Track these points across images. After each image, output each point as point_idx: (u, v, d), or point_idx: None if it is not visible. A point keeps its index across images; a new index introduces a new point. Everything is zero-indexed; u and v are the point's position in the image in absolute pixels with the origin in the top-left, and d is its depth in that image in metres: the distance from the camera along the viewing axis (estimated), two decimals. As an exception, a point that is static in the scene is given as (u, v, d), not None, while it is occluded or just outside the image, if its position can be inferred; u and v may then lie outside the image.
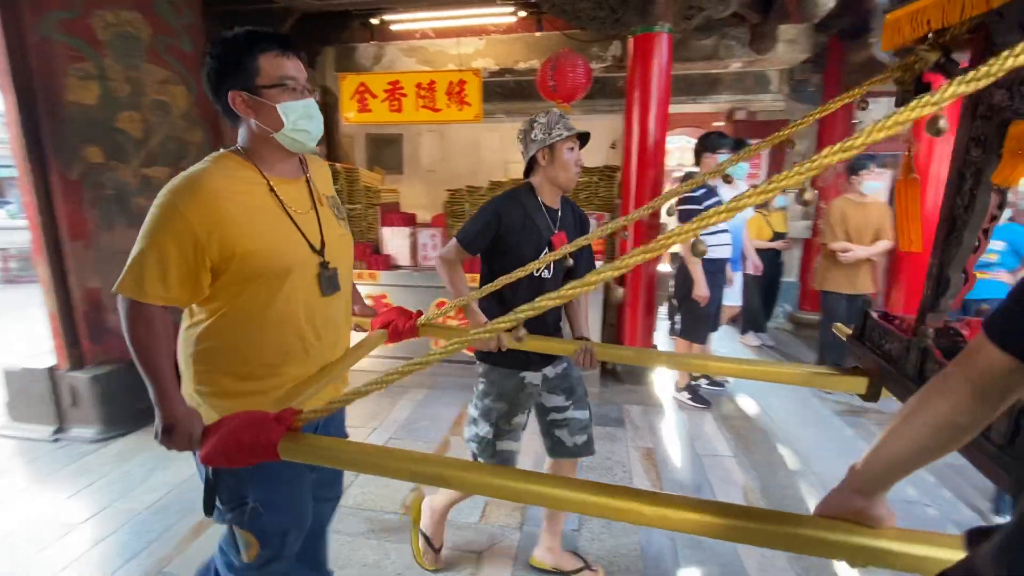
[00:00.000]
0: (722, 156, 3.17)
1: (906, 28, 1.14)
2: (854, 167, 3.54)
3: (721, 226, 3.47)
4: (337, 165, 4.13)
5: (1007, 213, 3.03)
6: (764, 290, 4.88)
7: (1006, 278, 2.96)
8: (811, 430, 3.26)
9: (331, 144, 5.58)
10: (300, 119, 1.11)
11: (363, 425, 3.24)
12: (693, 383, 3.62)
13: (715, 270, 3.37)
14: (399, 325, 1.53)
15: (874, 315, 1.37)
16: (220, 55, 1.08)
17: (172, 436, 1.05)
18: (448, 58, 5.17)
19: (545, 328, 1.72)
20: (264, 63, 1.08)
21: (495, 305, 1.71)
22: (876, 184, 3.42)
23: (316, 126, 1.15)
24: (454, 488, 1.58)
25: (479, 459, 1.77)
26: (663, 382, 3.93)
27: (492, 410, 1.73)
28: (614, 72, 5.17)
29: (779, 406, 3.55)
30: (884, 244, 3.47)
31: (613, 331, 4.10)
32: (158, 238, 1.02)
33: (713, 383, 3.81)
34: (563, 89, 3.99)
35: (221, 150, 1.15)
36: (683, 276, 3.40)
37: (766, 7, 4.21)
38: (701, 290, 3.28)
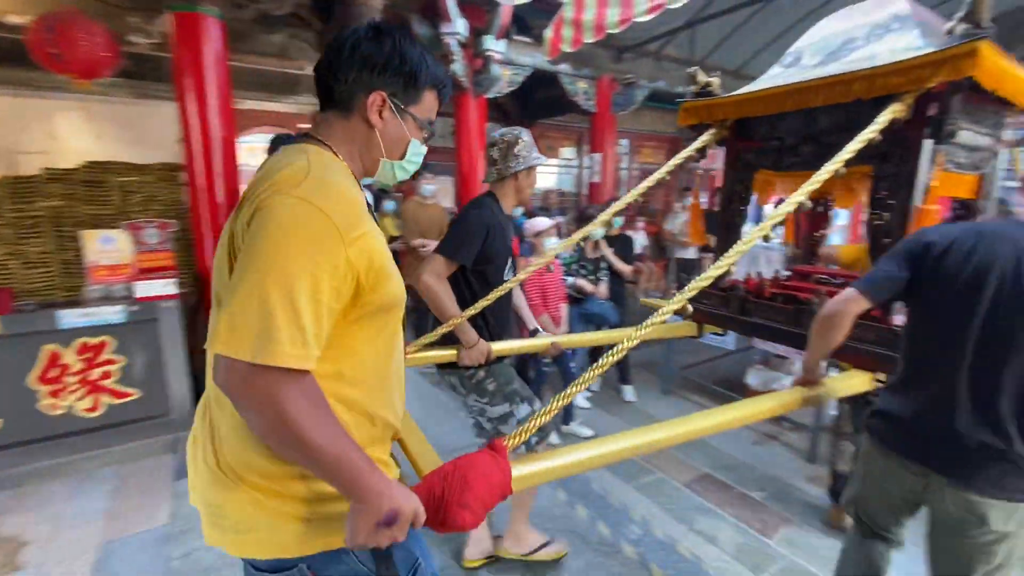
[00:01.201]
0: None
1: (694, 116, 2.27)
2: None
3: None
4: None
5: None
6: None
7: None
8: (417, 404, 3.71)
9: None
10: (409, 162, 1.00)
11: None
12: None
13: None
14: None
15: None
16: (403, 55, 0.89)
17: (401, 521, 0.77)
18: None
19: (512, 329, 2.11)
20: (428, 97, 0.97)
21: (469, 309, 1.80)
22: (432, 187, 4.09)
23: (404, 175, 1.02)
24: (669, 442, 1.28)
25: (539, 438, 1.91)
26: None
27: (514, 391, 1.90)
28: (169, 52, 4.33)
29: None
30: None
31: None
32: (300, 268, 0.70)
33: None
34: (74, 61, 3.03)
35: (308, 145, 0.87)
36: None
37: (327, 14, 4.34)
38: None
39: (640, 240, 6.91)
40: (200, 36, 3.14)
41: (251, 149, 5.61)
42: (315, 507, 0.84)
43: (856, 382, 1.64)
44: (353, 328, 0.84)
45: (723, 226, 2.38)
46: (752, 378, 3.75)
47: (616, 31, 3.06)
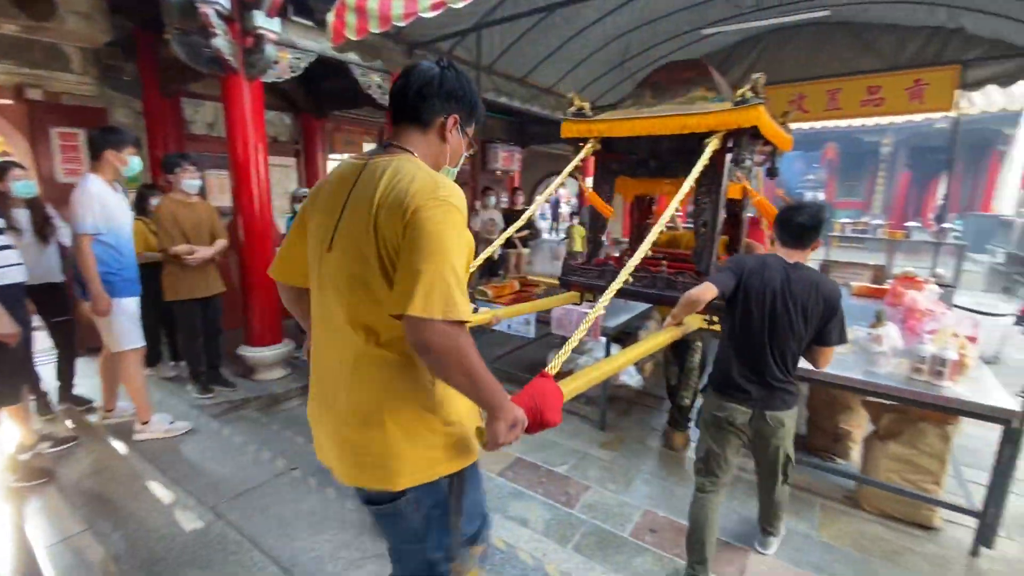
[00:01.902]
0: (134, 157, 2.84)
1: (574, 131, 2.76)
2: (167, 165, 3.42)
3: (1, 241, 2.58)
4: None
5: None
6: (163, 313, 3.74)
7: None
8: (194, 439, 3.09)
9: None
10: (457, 167, 1.29)
11: None
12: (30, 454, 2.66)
13: (10, 299, 2.48)
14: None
15: (572, 263, 3.11)
16: (471, 90, 1.20)
17: (518, 425, 1.09)
18: None
19: None
20: (475, 126, 1.28)
21: None
22: (196, 182, 3.42)
23: (453, 177, 1.25)
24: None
25: None
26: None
27: None
28: None
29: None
30: (222, 243, 3.58)
31: None
32: (457, 251, 1.00)
33: (60, 441, 2.93)
34: None
35: (403, 154, 1.12)
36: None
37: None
38: (4, 327, 2.38)
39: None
40: None
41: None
42: (431, 443, 1.12)
43: (696, 321, 2.54)
44: None
45: (593, 215, 3.15)
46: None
47: (403, 24, 2.95)
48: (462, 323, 0.96)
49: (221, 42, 3.27)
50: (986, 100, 10.81)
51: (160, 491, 2.63)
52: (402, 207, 0.98)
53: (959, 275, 6.51)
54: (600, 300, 1.97)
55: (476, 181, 4.59)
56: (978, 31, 4.02)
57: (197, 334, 3.60)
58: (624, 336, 3.75)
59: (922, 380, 2.41)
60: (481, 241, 6.61)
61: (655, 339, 2.18)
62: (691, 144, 2.44)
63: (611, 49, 4.80)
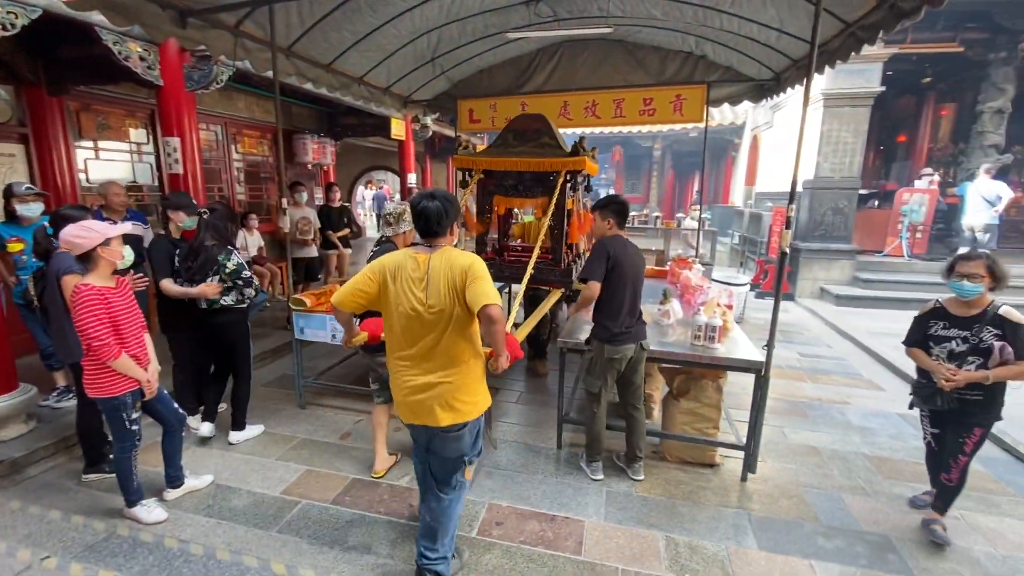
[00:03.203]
0: None
1: (463, 164, 3.93)
2: None
3: None
4: None
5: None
6: None
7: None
8: None
9: None
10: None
11: None
12: None
13: None
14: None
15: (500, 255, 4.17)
16: (458, 209, 2.11)
17: (508, 358, 1.98)
18: None
19: None
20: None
21: None
22: None
23: None
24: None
25: None
26: None
27: None
28: None
29: None
30: None
31: None
32: (488, 275, 1.87)
33: None
34: None
35: (443, 244, 1.95)
36: None
37: None
38: None
39: (255, 241, 6.15)
40: None
41: None
42: (478, 397, 1.97)
43: (557, 295, 3.77)
44: None
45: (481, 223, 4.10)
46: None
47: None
48: (499, 305, 1.78)
49: None
50: (722, 115, 13.64)
51: None
52: (457, 267, 1.84)
53: (714, 255, 8.12)
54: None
55: (281, 175, 4.06)
56: (716, 59, 5.00)
57: None
58: (534, 298, 4.31)
59: (700, 344, 2.91)
60: (294, 243, 5.96)
61: (548, 302, 3.62)
62: (543, 175, 3.74)
63: (421, 43, 4.71)
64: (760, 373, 2.74)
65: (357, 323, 2.39)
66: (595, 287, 2.70)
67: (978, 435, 2.35)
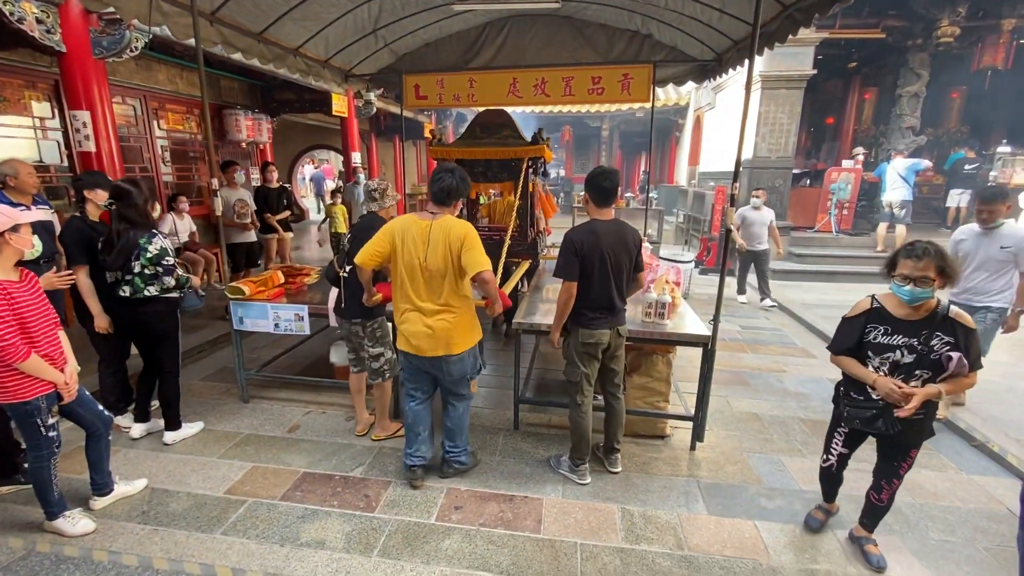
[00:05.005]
0: None
1: (439, 153, 4.45)
2: None
3: None
4: None
5: None
6: None
7: None
8: None
9: None
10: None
11: None
12: None
13: None
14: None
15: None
16: (468, 185, 2.51)
17: (502, 304, 2.55)
18: None
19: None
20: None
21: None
22: None
23: None
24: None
25: (394, 374, 3.06)
26: None
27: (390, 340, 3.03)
28: None
29: None
30: None
31: None
32: (481, 243, 2.36)
33: None
34: None
35: (446, 213, 2.44)
36: None
37: None
38: None
39: (186, 225, 5.72)
40: None
41: None
42: (472, 331, 2.50)
43: (526, 265, 4.46)
44: None
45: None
46: (335, 356, 3.73)
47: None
48: (491, 270, 2.29)
49: None
50: (667, 95, 13.89)
51: None
52: (453, 233, 2.30)
53: (661, 233, 8.35)
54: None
55: (211, 153, 3.73)
56: (661, 38, 5.04)
57: None
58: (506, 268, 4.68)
59: (651, 321, 2.97)
60: (231, 227, 5.58)
61: (520, 269, 4.31)
62: (508, 163, 4.38)
63: (361, 13, 4.45)
64: (707, 346, 2.84)
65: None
66: (570, 287, 2.50)
67: (913, 456, 2.09)
